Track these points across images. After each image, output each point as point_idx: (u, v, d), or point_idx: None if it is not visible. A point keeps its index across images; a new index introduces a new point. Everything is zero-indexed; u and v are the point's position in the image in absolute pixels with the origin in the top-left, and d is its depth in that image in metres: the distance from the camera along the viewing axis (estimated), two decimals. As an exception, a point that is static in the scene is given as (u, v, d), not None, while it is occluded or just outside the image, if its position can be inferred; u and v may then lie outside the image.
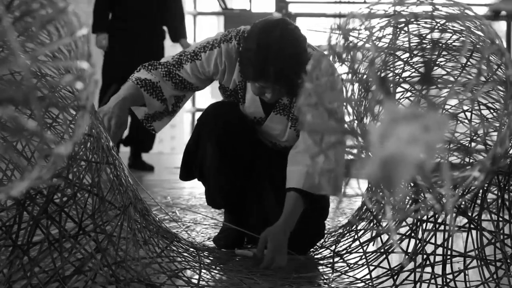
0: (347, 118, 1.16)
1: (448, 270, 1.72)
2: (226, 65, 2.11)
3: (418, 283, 1.69)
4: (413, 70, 1.77)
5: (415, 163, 0.67)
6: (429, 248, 1.79)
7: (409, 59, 1.70)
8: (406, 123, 0.69)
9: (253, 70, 1.94)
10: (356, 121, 1.19)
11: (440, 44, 1.65)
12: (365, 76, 1.41)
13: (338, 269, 1.96)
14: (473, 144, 1.79)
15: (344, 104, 1.16)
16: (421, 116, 0.69)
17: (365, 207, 2.16)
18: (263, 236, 1.97)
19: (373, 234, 2.01)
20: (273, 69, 1.90)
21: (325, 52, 2.04)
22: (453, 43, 1.65)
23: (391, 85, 1.63)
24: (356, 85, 1.41)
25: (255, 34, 1.94)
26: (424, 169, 0.68)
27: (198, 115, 2.47)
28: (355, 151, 0.93)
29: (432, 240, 1.73)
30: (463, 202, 1.68)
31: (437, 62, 1.70)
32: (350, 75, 1.33)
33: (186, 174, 2.25)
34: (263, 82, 1.96)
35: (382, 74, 1.58)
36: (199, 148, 2.17)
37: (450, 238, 1.69)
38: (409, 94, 1.86)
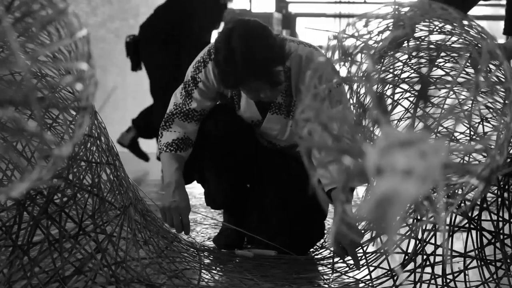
0: (345, 134, 1.13)
1: (448, 270, 1.72)
2: None
3: (418, 284, 1.69)
4: (412, 71, 1.77)
5: (411, 198, 0.66)
6: (429, 249, 1.79)
7: (408, 60, 1.70)
8: (403, 150, 0.68)
9: (231, 78, 1.93)
10: (354, 137, 1.17)
11: (439, 46, 1.64)
12: (361, 92, 1.40)
13: (338, 270, 1.96)
14: (472, 143, 1.79)
15: (343, 120, 1.14)
16: (417, 141, 0.68)
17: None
18: (334, 239, 1.94)
19: (373, 235, 2.01)
20: (249, 69, 1.88)
21: (319, 52, 2.01)
22: (452, 45, 1.65)
23: (387, 103, 1.61)
24: (354, 99, 1.40)
25: (218, 46, 1.93)
26: (420, 199, 0.67)
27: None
28: (352, 167, 0.92)
29: (432, 240, 1.73)
30: (463, 204, 1.68)
31: (436, 63, 1.70)
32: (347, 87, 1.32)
33: (185, 177, 2.25)
34: (248, 84, 1.95)
35: (379, 90, 1.57)
36: (198, 150, 2.17)
37: (450, 239, 1.69)
38: (408, 94, 1.85)
